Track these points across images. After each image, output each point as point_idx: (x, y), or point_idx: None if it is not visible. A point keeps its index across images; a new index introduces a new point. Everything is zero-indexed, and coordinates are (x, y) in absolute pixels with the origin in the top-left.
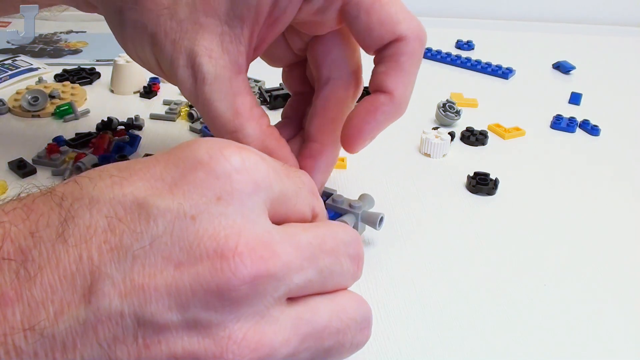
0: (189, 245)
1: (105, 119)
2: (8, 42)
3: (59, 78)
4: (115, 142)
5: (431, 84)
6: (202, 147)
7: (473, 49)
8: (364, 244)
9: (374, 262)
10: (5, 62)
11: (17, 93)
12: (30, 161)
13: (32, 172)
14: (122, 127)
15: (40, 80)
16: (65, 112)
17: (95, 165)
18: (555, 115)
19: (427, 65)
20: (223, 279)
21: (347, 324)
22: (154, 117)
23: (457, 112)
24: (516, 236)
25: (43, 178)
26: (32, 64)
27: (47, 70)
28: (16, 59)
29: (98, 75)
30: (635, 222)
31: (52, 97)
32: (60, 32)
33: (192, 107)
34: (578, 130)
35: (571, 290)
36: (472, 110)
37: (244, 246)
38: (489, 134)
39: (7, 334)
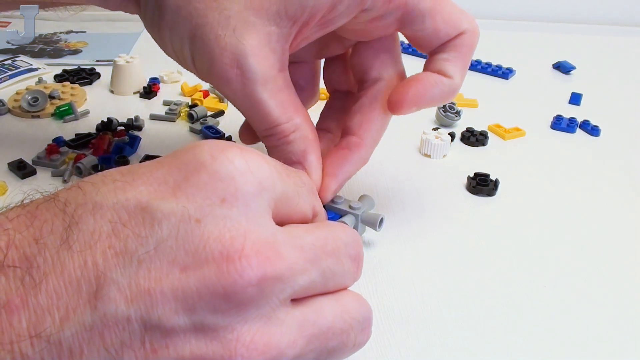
0: (195, 248)
1: (105, 120)
2: (8, 42)
3: (58, 78)
4: (115, 142)
5: None
6: (204, 150)
7: None
8: (364, 245)
9: (374, 263)
10: (5, 62)
11: (17, 93)
12: (30, 162)
13: (32, 172)
14: (122, 127)
15: (40, 81)
16: (65, 113)
17: (95, 166)
18: (555, 115)
19: None
20: (230, 281)
21: (350, 324)
22: (153, 117)
23: (457, 113)
24: (516, 237)
25: (43, 179)
26: (32, 64)
27: (46, 70)
28: (16, 59)
29: (98, 75)
30: (636, 222)
31: (52, 97)
32: (60, 32)
33: (192, 107)
34: (578, 130)
35: (571, 291)
36: (472, 110)
37: (250, 248)
38: (489, 134)
39: (14, 342)
